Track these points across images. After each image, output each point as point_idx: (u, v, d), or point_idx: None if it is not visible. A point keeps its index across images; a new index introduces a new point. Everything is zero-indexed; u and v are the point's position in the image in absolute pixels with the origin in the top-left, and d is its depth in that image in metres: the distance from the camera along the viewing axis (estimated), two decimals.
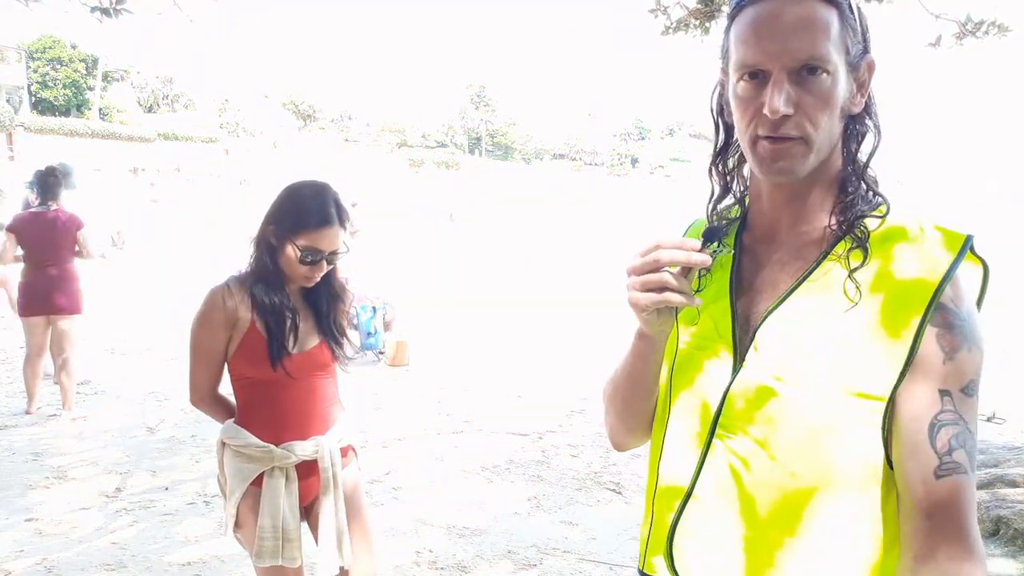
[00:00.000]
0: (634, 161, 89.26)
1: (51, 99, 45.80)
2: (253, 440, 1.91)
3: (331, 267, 1.97)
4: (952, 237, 0.89)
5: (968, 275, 0.89)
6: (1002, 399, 5.39)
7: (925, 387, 0.85)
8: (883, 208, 0.93)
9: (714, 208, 1.05)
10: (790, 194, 0.96)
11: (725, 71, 0.97)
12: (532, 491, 4.01)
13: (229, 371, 1.97)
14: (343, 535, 1.98)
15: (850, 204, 0.93)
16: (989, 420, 5.17)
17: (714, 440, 0.96)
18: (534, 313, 10.51)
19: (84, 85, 47.27)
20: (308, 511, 2.04)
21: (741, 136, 0.94)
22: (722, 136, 1.03)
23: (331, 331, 2.02)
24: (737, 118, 0.94)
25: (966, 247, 0.87)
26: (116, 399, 5.71)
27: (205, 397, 2.00)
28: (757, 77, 0.89)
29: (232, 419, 1.99)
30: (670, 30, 4.80)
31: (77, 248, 5.07)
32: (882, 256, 0.89)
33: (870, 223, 0.92)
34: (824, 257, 0.92)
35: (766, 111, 0.87)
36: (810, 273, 0.92)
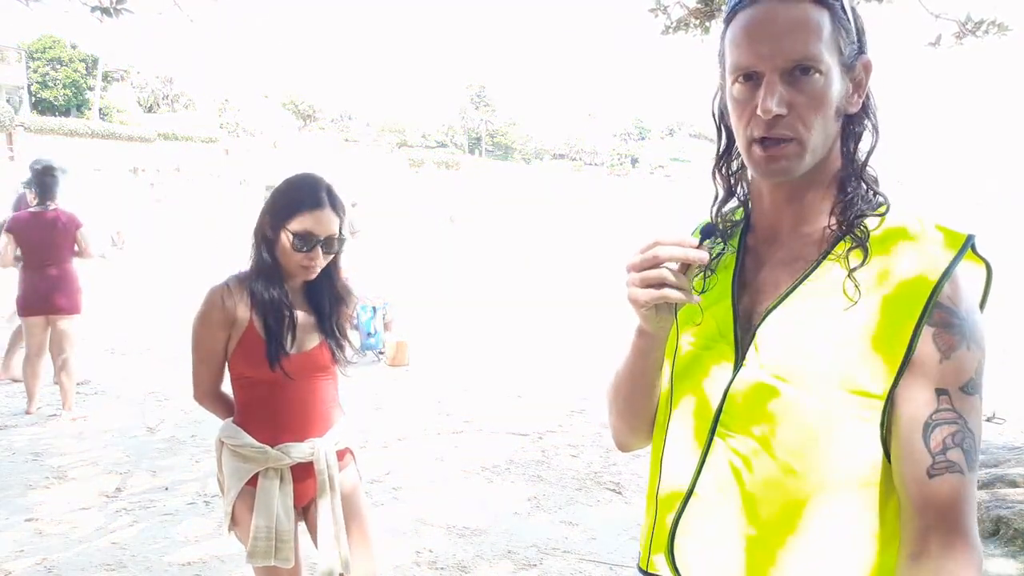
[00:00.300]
0: (634, 161, 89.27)
1: (51, 99, 45.81)
2: (249, 440, 1.91)
3: (330, 256, 1.94)
4: (953, 236, 0.89)
5: (971, 275, 0.89)
6: (1002, 399, 5.39)
7: (921, 386, 0.85)
8: (883, 207, 0.94)
9: (718, 211, 1.07)
10: (790, 194, 0.97)
11: (723, 75, 0.98)
12: (532, 491, 4.01)
13: (229, 370, 1.97)
14: (340, 540, 1.97)
15: (850, 204, 0.94)
16: (989, 420, 5.17)
17: (715, 439, 0.96)
18: (534, 313, 10.51)
19: (84, 85, 47.29)
20: (306, 513, 2.04)
21: (738, 138, 0.95)
22: (724, 140, 1.04)
23: (332, 332, 2.00)
24: (734, 120, 0.95)
25: (966, 246, 0.88)
26: (116, 399, 5.70)
27: (207, 395, 2.01)
28: (751, 79, 0.90)
29: (231, 418, 1.99)
30: (670, 30, 4.80)
31: (77, 248, 5.07)
32: (882, 255, 0.89)
33: (870, 223, 0.92)
34: (824, 257, 0.93)
35: (759, 112, 0.88)
36: (810, 272, 0.93)
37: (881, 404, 0.86)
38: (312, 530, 2.00)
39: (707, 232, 0.93)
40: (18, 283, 5.11)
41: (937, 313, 0.85)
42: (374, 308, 7.21)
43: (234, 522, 1.96)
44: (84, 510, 3.66)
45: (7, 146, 35.07)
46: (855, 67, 0.93)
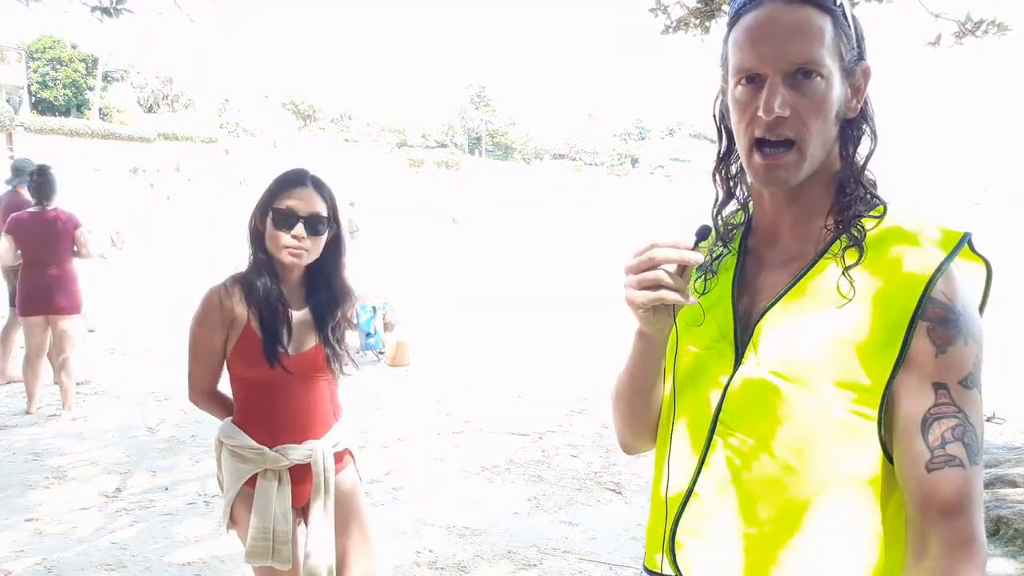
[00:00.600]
0: (634, 161, 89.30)
1: (51, 99, 45.83)
2: (248, 441, 1.91)
3: (317, 239, 1.89)
4: (948, 235, 0.91)
5: (970, 274, 0.90)
6: (1002, 399, 5.39)
7: (918, 382, 0.86)
8: (880, 209, 0.95)
9: (719, 213, 1.08)
10: (789, 197, 0.98)
11: (724, 77, 0.99)
12: (532, 491, 4.01)
13: (228, 371, 1.97)
14: (328, 544, 1.96)
15: (848, 205, 0.95)
16: (989, 420, 5.17)
17: (715, 437, 0.97)
18: (534, 313, 10.51)
19: (84, 85, 47.32)
20: (305, 513, 2.04)
21: (739, 140, 0.96)
22: (724, 142, 1.05)
23: (328, 338, 1.97)
24: (735, 122, 0.96)
25: (961, 243, 0.89)
26: (116, 399, 5.71)
27: (203, 395, 2.00)
28: (754, 81, 0.91)
29: (230, 418, 1.99)
30: (670, 29, 4.80)
31: (76, 248, 5.07)
32: (878, 254, 0.90)
33: (867, 223, 0.94)
34: (821, 256, 0.94)
35: (761, 112, 0.89)
36: (806, 271, 0.94)
37: (878, 401, 0.87)
38: (310, 531, 2.00)
39: (702, 234, 0.93)
40: (18, 283, 5.11)
41: (931, 308, 0.86)
42: (374, 308, 7.20)
43: (233, 522, 1.96)
44: (84, 510, 3.66)
45: (7, 146, 35.09)
46: (855, 73, 0.94)
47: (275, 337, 1.88)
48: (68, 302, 5.06)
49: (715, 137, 1.07)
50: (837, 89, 0.91)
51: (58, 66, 46.19)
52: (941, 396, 0.85)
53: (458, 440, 4.92)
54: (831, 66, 0.90)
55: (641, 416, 1.12)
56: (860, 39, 0.95)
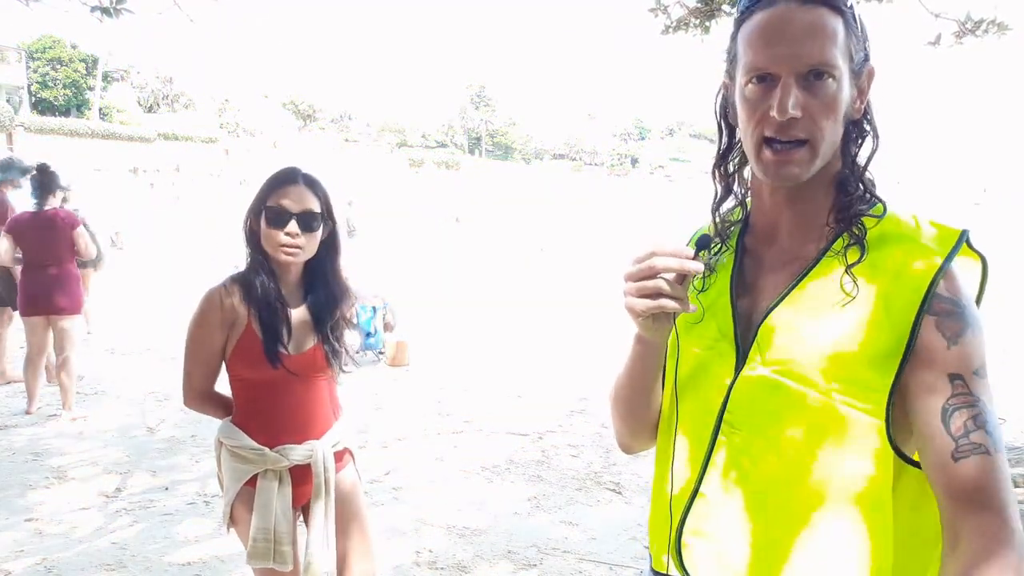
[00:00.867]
0: (634, 161, 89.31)
1: (51, 99, 45.84)
2: (247, 442, 1.91)
3: (311, 235, 1.89)
4: (947, 232, 0.91)
5: (967, 270, 0.91)
6: (1002, 399, 5.39)
7: (932, 375, 0.86)
8: (880, 208, 0.96)
9: (717, 209, 1.07)
10: (790, 196, 0.98)
11: (730, 74, 0.99)
12: (532, 491, 4.01)
13: (227, 371, 1.97)
14: (328, 545, 1.96)
15: (849, 204, 0.95)
16: None
17: (719, 437, 0.97)
18: (534, 313, 10.51)
19: (84, 85, 47.33)
20: (305, 513, 2.04)
21: (745, 138, 0.96)
22: (725, 139, 1.05)
23: (327, 335, 1.97)
24: (743, 120, 0.95)
25: (961, 241, 0.89)
26: (116, 399, 5.70)
27: (200, 397, 1.99)
28: (765, 80, 0.91)
29: (230, 418, 1.99)
30: (670, 29, 4.79)
31: (75, 248, 5.07)
32: (880, 252, 0.91)
33: (868, 222, 0.94)
34: (823, 255, 0.94)
35: (774, 113, 0.89)
36: (809, 271, 0.94)
37: (884, 399, 0.87)
38: (311, 531, 2.00)
39: (702, 243, 0.94)
40: (19, 283, 5.11)
41: (937, 303, 0.86)
42: (374, 308, 7.21)
43: (233, 522, 1.96)
44: (84, 510, 3.66)
45: (7, 146, 35.07)
46: (862, 74, 0.94)
47: (276, 337, 1.87)
48: (68, 302, 5.05)
49: (715, 137, 1.07)
50: (846, 90, 0.91)
51: (58, 66, 46.20)
52: (958, 387, 0.85)
53: (458, 440, 4.92)
54: (842, 67, 0.90)
55: (640, 417, 1.12)
56: (866, 40, 0.95)
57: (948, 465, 0.83)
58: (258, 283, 1.88)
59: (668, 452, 1.05)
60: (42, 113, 44.12)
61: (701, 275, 1.04)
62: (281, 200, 1.85)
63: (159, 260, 16.41)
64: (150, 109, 57.51)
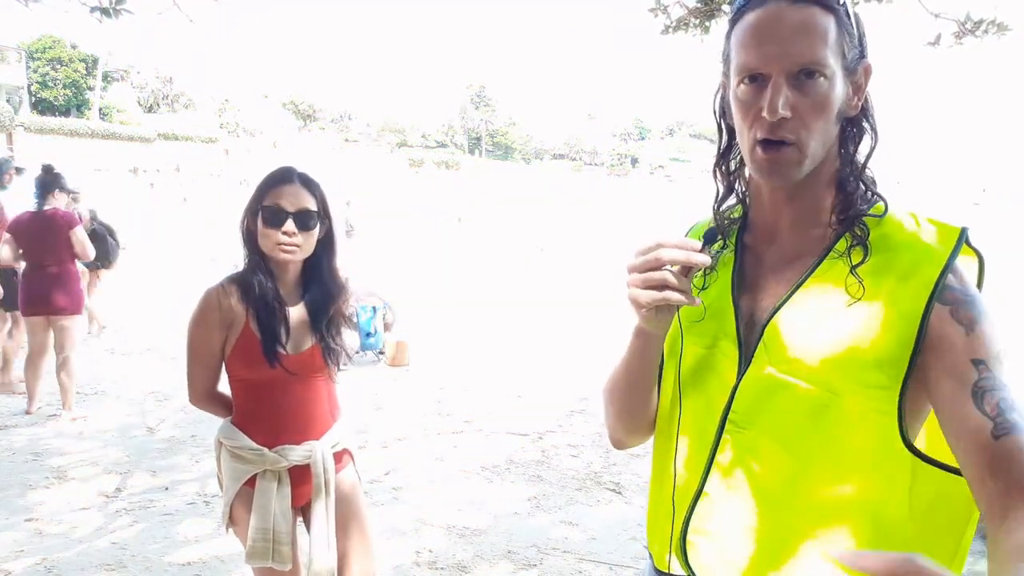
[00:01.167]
0: (634, 161, 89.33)
1: (51, 99, 45.85)
2: (247, 442, 1.91)
3: (308, 234, 1.88)
4: (947, 230, 0.91)
5: (965, 267, 0.91)
6: None
7: (954, 363, 0.84)
8: (880, 206, 0.95)
9: (718, 208, 1.07)
10: (789, 195, 0.98)
11: (726, 75, 0.99)
12: (532, 491, 4.01)
13: (226, 371, 1.96)
14: (330, 545, 1.96)
15: (849, 203, 0.95)
16: None
17: (724, 436, 0.97)
18: (534, 313, 10.51)
19: (84, 85, 47.35)
20: (305, 513, 2.04)
21: (741, 139, 0.96)
22: (724, 138, 1.05)
23: (323, 335, 1.96)
24: (738, 121, 0.95)
25: (962, 238, 0.89)
26: (116, 399, 5.70)
27: (204, 396, 1.99)
28: (757, 80, 0.91)
29: (229, 418, 1.99)
30: (670, 29, 4.79)
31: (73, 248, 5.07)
32: (882, 251, 0.91)
33: (869, 221, 0.94)
34: (826, 254, 0.94)
35: (765, 113, 0.89)
36: (814, 270, 0.94)
37: (895, 396, 0.87)
38: (312, 532, 2.00)
39: (709, 237, 0.93)
40: (19, 284, 5.11)
41: (948, 294, 0.86)
42: (374, 308, 7.21)
43: (233, 522, 1.96)
44: (84, 510, 3.66)
45: (7, 146, 35.07)
46: (857, 71, 0.94)
47: (274, 336, 1.87)
48: (69, 302, 5.06)
49: (715, 137, 1.07)
50: (839, 88, 0.91)
51: (58, 66, 46.21)
52: (983, 371, 0.84)
53: (458, 440, 4.92)
54: (834, 65, 0.89)
55: (637, 413, 1.12)
56: (862, 36, 0.94)
57: (989, 443, 0.81)
58: (256, 283, 1.88)
59: (669, 451, 1.05)
60: (42, 113, 44.13)
61: (703, 271, 1.03)
62: (277, 199, 1.85)
63: (159, 260, 16.41)
64: (150, 109, 57.53)
